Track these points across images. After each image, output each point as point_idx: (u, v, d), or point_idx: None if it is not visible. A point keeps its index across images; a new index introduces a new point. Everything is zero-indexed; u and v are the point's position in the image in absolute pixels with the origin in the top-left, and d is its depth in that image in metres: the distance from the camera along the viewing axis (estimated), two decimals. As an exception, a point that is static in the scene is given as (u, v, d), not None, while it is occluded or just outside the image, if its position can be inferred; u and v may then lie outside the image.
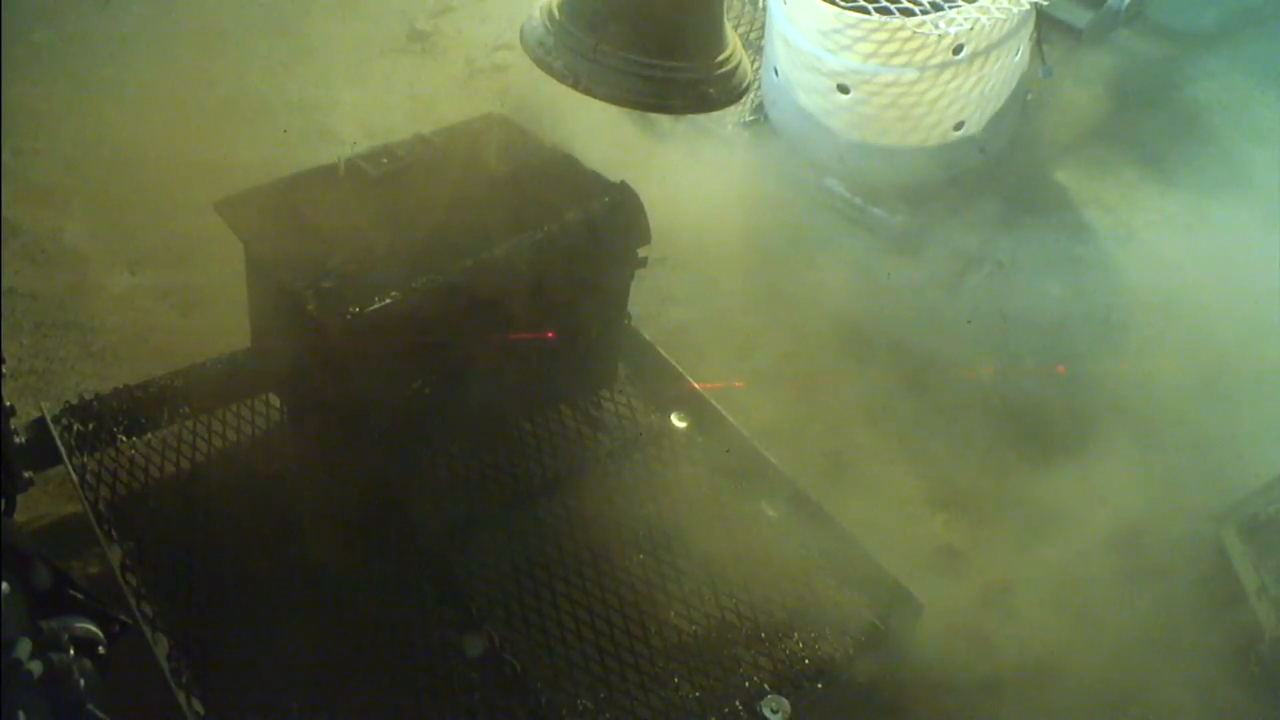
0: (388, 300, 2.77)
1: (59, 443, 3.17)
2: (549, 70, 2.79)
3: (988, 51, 4.25)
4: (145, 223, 4.21)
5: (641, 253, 3.18)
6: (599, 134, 4.61)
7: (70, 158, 4.45)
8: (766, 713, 2.85)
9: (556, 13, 2.81)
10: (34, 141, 4.53)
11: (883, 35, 4.13)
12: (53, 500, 3.44)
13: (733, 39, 2.94)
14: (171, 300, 4.06)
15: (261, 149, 4.29)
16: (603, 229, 3.07)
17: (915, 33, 4.08)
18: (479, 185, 3.08)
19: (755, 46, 4.85)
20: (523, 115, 3.50)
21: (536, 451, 3.38)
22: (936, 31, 4.05)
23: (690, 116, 4.55)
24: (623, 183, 3.14)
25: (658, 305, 4.04)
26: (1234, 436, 3.81)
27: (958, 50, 4.18)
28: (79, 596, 2.13)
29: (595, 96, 2.81)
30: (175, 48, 5.06)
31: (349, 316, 2.73)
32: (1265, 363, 4.01)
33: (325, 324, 2.75)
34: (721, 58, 2.86)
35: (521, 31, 2.89)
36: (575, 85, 2.77)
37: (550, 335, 3.13)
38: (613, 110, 4.81)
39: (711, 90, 2.83)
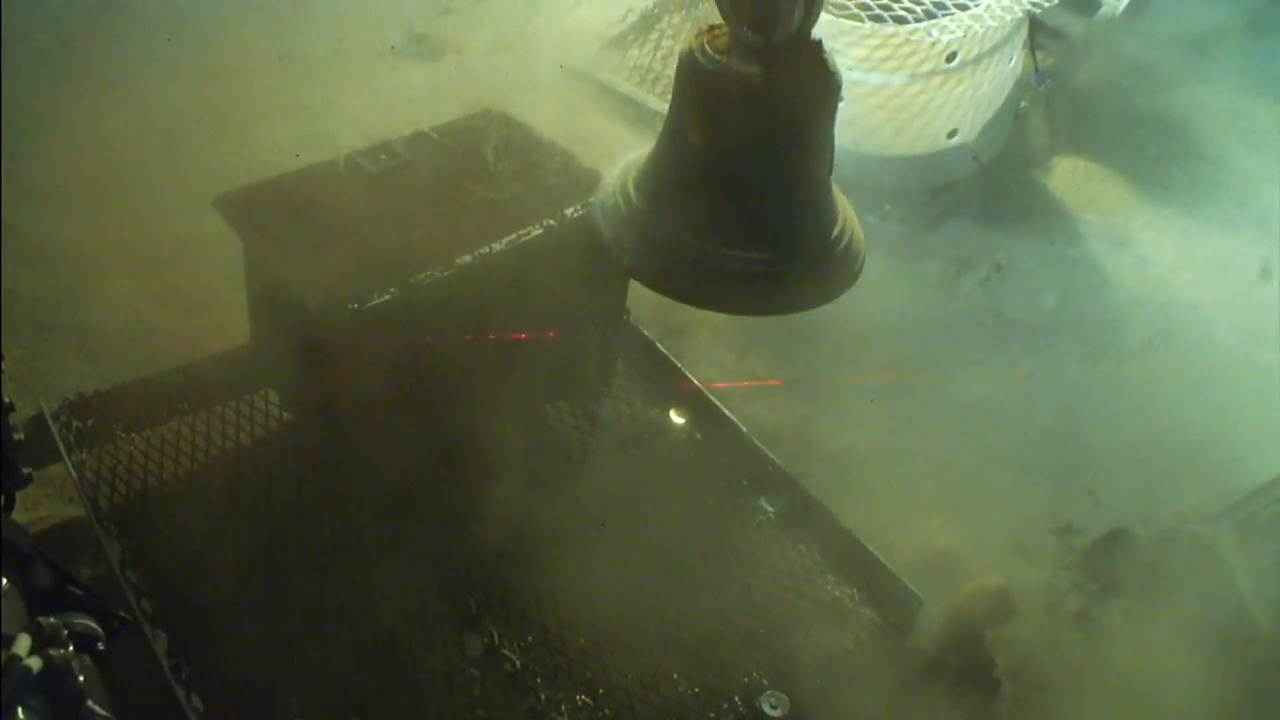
0: (386, 296, 2.78)
1: (58, 439, 3.17)
2: (600, 237, 2.44)
3: (980, 59, 4.27)
4: (145, 225, 4.20)
5: (641, 249, 3.18)
6: (597, 139, 4.64)
7: (70, 160, 4.45)
8: (766, 708, 2.84)
9: (631, 187, 2.45)
10: (34, 144, 4.53)
11: (875, 42, 4.15)
12: (53, 503, 3.43)
13: (842, 208, 2.47)
14: (171, 303, 4.05)
15: (260, 152, 4.29)
16: (602, 224, 3.07)
17: (908, 40, 4.09)
18: (478, 181, 3.09)
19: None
20: (521, 118, 3.51)
21: (535, 447, 3.38)
22: (929, 39, 4.06)
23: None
24: (622, 178, 3.14)
25: (654, 309, 4.05)
26: (1230, 439, 3.82)
27: (951, 58, 4.20)
28: (78, 593, 2.12)
29: (639, 279, 2.50)
30: (174, 51, 5.08)
31: (348, 312, 2.74)
32: (1260, 366, 4.03)
33: (324, 320, 2.76)
34: (822, 236, 2.40)
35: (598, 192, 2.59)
36: (619, 261, 2.43)
37: (549, 331, 3.14)
38: (611, 116, 4.90)
39: (791, 287, 2.40)
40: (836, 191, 2.48)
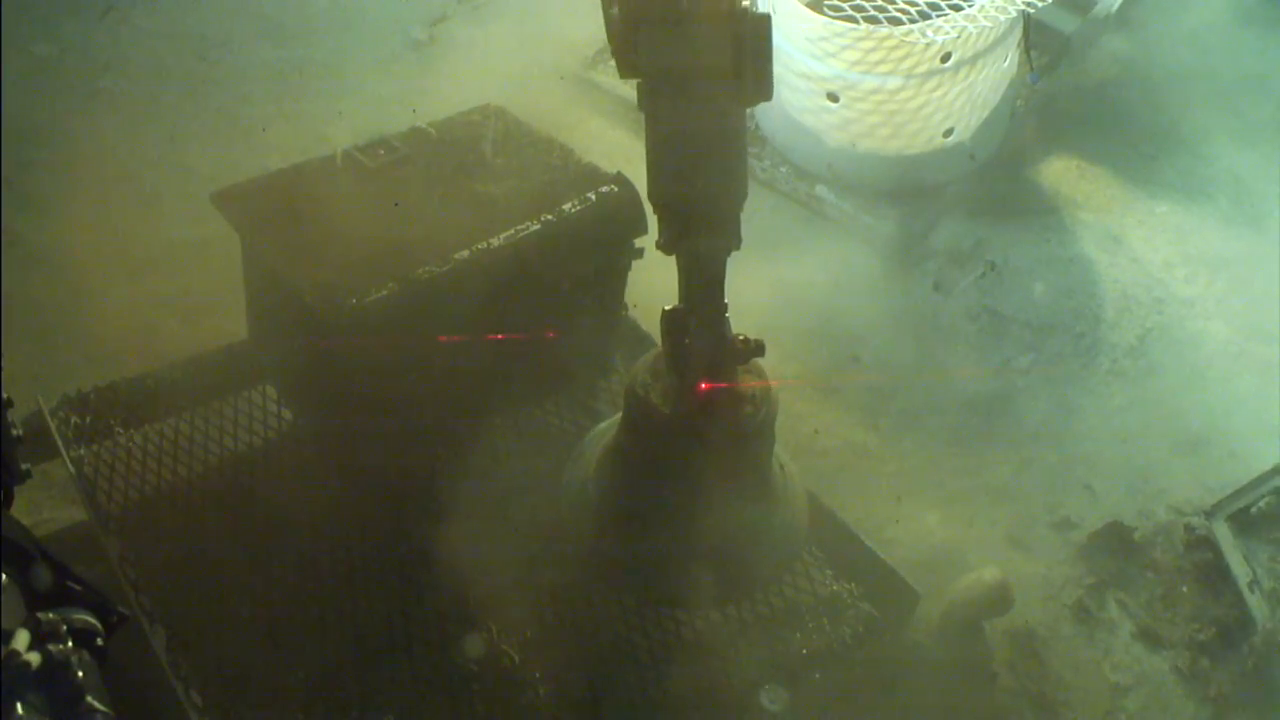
0: (385, 292, 2.79)
1: (56, 435, 3.18)
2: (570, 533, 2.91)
3: (976, 59, 4.28)
4: (145, 231, 4.22)
5: (638, 243, 3.20)
6: (595, 141, 4.67)
7: (70, 167, 4.47)
8: (765, 703, 2.85)
9: (593, 478, 2.87)
10: (35, 151, 4.56)
11: (870, 44, 4.16)
12: (56, 505, 3.44)
13: (783, 500, 2.86)
14: (172, 308, 4.06)
15: (260, 158, 4.31)
16: (600, 219, 3.09)
17: (903, 42, 4.11)
18: (476, 176, 3.10)
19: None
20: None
21: (533, 442, 3.38)
22: (924, 40, 4.07)
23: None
24: (619, 174, 3.16)
25: (653, 305, 4.05)
26: (1225, 433, 3.84)
27: (946, 58, 4.21)
28: (77, 588, 2.13)
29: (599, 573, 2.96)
30: (173, 58, 5.11)
31: (346, 307, 2.75)
32: (1255, 361, 4.05)
33: (322, 315, 2.77)
34: (751, 539, 2.79)
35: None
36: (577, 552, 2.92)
37: (547, 327, 3.14)
38: (609, 118, 4.92)
39: (727, 582, 2.84)
40: (780, 475, 2.80)
